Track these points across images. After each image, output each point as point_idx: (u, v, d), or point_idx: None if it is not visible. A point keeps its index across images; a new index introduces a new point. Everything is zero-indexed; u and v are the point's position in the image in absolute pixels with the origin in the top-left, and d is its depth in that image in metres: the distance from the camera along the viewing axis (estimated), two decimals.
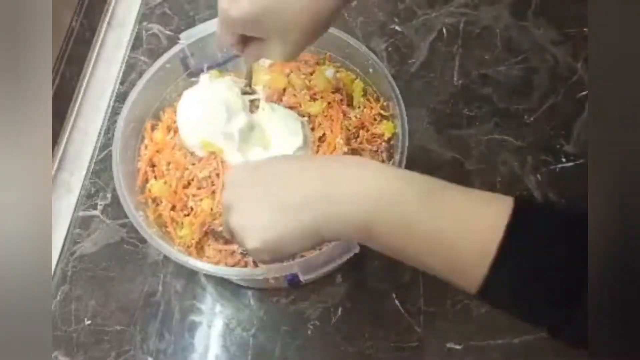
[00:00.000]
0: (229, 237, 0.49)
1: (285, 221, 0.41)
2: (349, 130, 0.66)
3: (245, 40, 0.54)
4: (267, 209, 0.42)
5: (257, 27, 0.50)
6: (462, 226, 0.37)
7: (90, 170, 0.75)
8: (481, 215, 0.37)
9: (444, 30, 0.83)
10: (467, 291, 0.37)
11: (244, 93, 0.66)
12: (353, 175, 0.40)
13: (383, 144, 0.66)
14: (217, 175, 0.62)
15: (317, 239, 0.41)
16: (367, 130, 0.66)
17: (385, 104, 0.66)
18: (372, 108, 0.67)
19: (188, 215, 0.62)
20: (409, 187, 0.39)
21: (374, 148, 0.66)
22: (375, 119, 0.67)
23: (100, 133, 0.78)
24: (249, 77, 0.66)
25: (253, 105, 0.66)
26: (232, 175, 0.48)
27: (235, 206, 0.44)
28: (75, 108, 0.80)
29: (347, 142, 0.65)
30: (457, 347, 0.61)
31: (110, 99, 0.80)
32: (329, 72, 0.68)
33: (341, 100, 0.67)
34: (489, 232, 0.35)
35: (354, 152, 0.65)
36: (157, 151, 0.65)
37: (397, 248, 0.40)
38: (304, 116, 0.66)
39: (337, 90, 0.68)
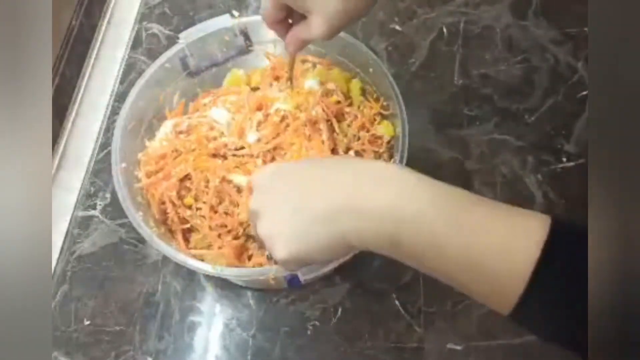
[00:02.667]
0: (259, 243, 0.49)
1: (315, 232, 0.41)
2: (345, 135, 0.65)
3: (287, 27, 0.55)
4: (296, 218, 0.42)
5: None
6: (494, 245, 0.35)
7: (90, 170, 0.75)
8: (515, 234, 0.35)
9: (444, 30, 0.83)
10: (500, 312, 0.36)
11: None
12: (384, 188, 0.39)
13: (384, 144, 0.66)
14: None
15: (346, 248, 0.41)
16: (368, 131, 0.66)
17: (385, 103, 0.66)
18: (371, 108, 0.67)
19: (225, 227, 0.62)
20: (438, 203, 0.38)
21: (375, 149, 0.66)
22: (375, 119, 0.67)
23: (99, 132, 0.78)
24: (291, 69, 0.64)
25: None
26: (260, 178, 0.47)
27: (263, 214, 0.44)
28: (75, 108, 0.80)
29: (349, 144, 0.65)
30: (458, 347, 0.61)
31: (110, 99, 0.80)
32: (311, 82, 0.68)
33: (339, 102, 0.67)
34: (524, 252, 0.34)
35: (356, 154, 0.65)
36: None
37: (427, 266, 0.39)
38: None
39: (327, 93, 0.68)
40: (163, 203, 0.63)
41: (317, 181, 0.43)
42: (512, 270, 0.34)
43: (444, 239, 0.37)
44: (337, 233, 0.40)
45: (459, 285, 0.38)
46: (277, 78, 0.71)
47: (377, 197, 0.39)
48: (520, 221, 0.36)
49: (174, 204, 0.62)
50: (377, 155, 0.66)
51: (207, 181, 0.62)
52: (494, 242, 0.35)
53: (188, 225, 0.63)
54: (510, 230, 0.36)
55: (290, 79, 0.65)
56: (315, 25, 0.51)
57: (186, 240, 0.63)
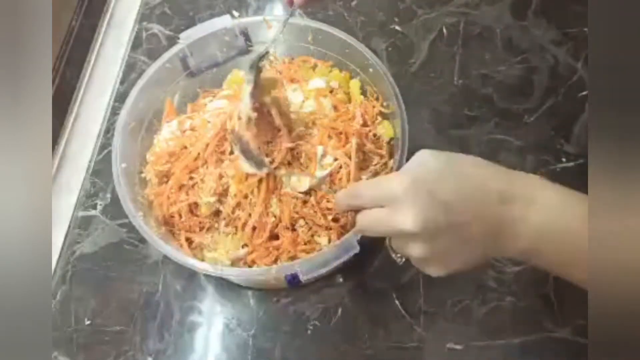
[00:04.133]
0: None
1: (473, 254, 0.43)
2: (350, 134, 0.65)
3: None
4: (459, 243, 0.43)
5: None
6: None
7: (90, 170, 0.75)
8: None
9: (444, 30, 0.83)
10: None
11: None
12: (524, 203, 0.42)
13: (384, 144, 0.66)
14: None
15: (488, 261, 0.46)
16: (370, 131, 0.66)
17: (385, 104, 0.66)
18: (374, 106, 0.67)
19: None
20: (574, 214, 0.40)
21: (377, 148, 0.66)
22: (376, 119, 0.67)
23: (100, 133, 0.78)
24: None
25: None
26: (406, 193, 0.43)
27: (421, 239, 0.43)
28: (75, 108, 0.80)
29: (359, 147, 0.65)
30: (458, 347, 0.61)
31: (110, 99, 0.80)
32: (317, 81, 0.68)
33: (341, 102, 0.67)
34: None
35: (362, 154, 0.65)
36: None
37: (564, 268, 0.42)
38: None
39: (331, 91, 0.68)
40: (172, 216, 0.63)
41: (472, 195, 0.43)
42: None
43: (577, 244, 0.39)
44: (483, 256, 0.44)
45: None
46: (292, 80, 0.71)
47: (517, 222, 0.42)
48: None
49: (181, 216, 0.63)
50: (379, 155, 0.65)
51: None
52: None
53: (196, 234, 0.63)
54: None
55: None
56: None
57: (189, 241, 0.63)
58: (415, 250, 0.43)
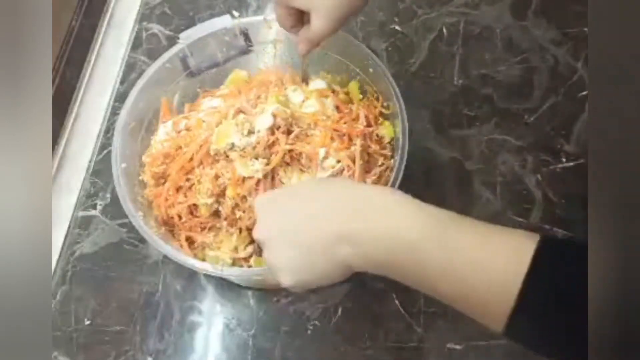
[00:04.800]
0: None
1: (314, 262, 0.43)
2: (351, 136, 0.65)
3: (299, 22, 0.57)
4: (296, 251, 0.43)
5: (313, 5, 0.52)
6: (483, 264, 0.36)
7: (90, 170, 0.75)
8: (503, 251, 0.36)
9: (444, 30, 0.83)
10: (495, 329, 0.37)
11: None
12: (379, 216, 0.41)
13: (387, 145, 0.66)
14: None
15: (347, 272, 0.43)
16: (374, 131, 0.66)
17: (385, 104, 0.66)
18: (375, 107, 0.67)
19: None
20: (434, 228, 0.39)
21: (381, 149, 0.66)
22: (378, 119, 0.67)
23: (100, 133, 0.78)
24: (304, 69, 0.67)
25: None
26: (260, 206, 0.48)
27: (267, 244, 0.45)
28: (75, 108, 0.80)
29: (364, 148, 0.65)
30: (458, 347, 0.61)
31: (110, 99, 0.80)
32: (318, 82, 0.68)
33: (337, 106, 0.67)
34: (512, 270, 0.35)
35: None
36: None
37: (421, 287, 0.40)
38: None
39: (333, 91, 0.68)
40: (172, 217, 0.63)
41: (314, 209, 0.44)
42: (502, 287, 0.35)
43: (437, 264, 0.38)
44: (337, 261, 0.42)
45: (456, 305, 0.39)
46: (293, 81, 0.71)
47: (371, 227, 0.41)
48: (509, 239, 0.37)
49: (180, 217, 0.63)
50: (383, 156, 0.65)
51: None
52: (483, 260, 0.37)
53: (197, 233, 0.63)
54: (498, 248, 0.37)
55: (304, 79, 0.67)
56: (316, 23, 0.54)
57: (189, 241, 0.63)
58: (265, 255, 0.46)
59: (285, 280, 0.44)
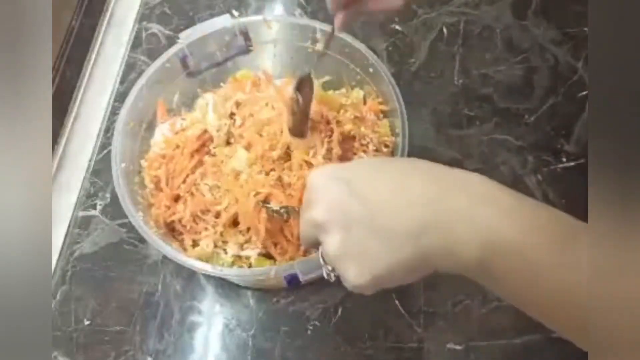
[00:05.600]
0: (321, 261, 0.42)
1: (398, 254, 0.36)
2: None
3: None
4: (375, 238, 0.36)
5: None
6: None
7: (90, 170, 0.75)
8: None
9: (444, 30, 0.83)
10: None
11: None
12: (478, 206, 0.34)
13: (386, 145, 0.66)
14: None
15: (428, 270, 0.37)
16: (374, 132, 0.66)
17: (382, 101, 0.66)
18: (376, 107, 0.67)
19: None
20: (538, 231, 0.33)
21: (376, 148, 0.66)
22: (378, 119, 0.67)
23: (99, 133, 0.78)
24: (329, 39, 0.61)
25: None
26: (321, 182, 0.39)
27: (331, 230, 0.38)
28: (75, 108, 0.80)
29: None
30: (458, 347, 0.61)
31: (110, 99, 0.80)
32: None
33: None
34: None
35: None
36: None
37: (519, 296, 0.35)
38: None
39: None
40: (173, 221, 0.63)
41: (396, 190, 0.37)
42: None
43: (543, 272, 0.32)
44: (421, 254, 0.35)
45: (552, 321, 0.34)
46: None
47: (469, 216, 0.34)
48: None
49: (182, 222, 0.63)
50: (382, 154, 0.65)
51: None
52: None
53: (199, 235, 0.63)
54: None
55: (327, 45, 0.61)
56: None
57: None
58: (329, 243, 0.38)
59: (357, 276, 0.37)
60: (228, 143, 0.65)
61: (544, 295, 0.33)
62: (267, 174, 0.60)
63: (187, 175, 0.64)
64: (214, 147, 0.64)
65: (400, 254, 0.36)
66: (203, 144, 0.65)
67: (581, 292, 0.31)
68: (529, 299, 0.34)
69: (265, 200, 0.59)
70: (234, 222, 0.62)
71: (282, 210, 0.58)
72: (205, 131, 0.65)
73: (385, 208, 0.36)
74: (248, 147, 0.62)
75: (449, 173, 0.37)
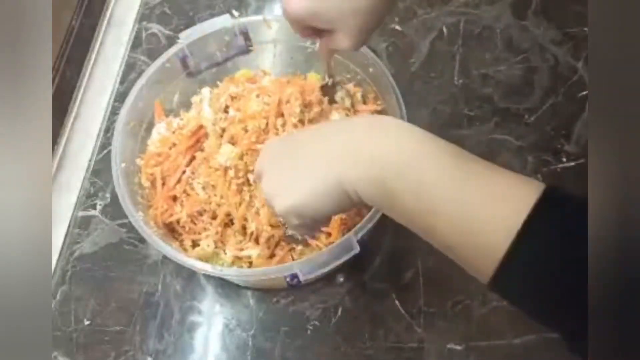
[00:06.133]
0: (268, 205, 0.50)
1: (311, 180, 0.41)
2: None
3: (318, 32, 0.54)
4: (293, 172, 0.43)
5: (318, 19, 0.51)
6: (486, 204, 0.34)
7: (90, 170, 0.75)
8: (508, 196, 0.34)
9: (444, 30, 0.83)
10: (480, 279, 0.35)
11: (324, 87, 0.67)
12: (381, 136, 0.40)
13: None
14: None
15: (344, 200, 0.41)
16: None
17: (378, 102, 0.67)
18: (375, 107, 0.67)
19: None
20: (433, 153, 0.38)
21: None
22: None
23: (99, 132, 0.78)
24: (329, 70, 0.66)
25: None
26: (266, 145, 0.50)
27: (265, 173, 0.46)
28: (75, 108, 0.80)
29: None
30: (458, 347, 0.61)
31: (110, 99, 0.80)
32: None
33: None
34: (513, 216, 0.33)
35: None
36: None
37: (415, 219, 0.38)
38: None
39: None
40: (172, 222, 0.64)
41: (317, 137, 0.44)
42: (496, 232, 0.33)
43: (433, 190, 0.36)
44: (332, 179, 0.40)
45: (444, 246, 0.38)
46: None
47: (368, 145, 0.39)
48: (514, 184, 0.35)
49: (180, 224, 0.63)
50: None
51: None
52: (483, 200, 0.35)
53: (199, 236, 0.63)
54: (500, 190, 0.35)
55: (330, 75, 0.66)
56: (342, 40, 0.52)
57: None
58: (263, 185, 0.45)
59: (280, 203, 0.43)
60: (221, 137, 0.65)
61: (436, 214, 0.36)
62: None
63: (183, 172, 0.64)
64: (205, 143, 0.65)
65: (312, 184, 0.41)
66: (198, 140, 0.66)
67: (465, 211, 0.35)
68: (424, 221, 0.37)
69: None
70: (232, 222, 0.62)
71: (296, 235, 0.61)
72: (201, 127, 0.66)
73: (304, 151, 0.43)
74: (233, 142, 0.63)
75: (358, 121, 0.44)
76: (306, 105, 0.63)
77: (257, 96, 0.64)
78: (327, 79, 0.67)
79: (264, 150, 0.49)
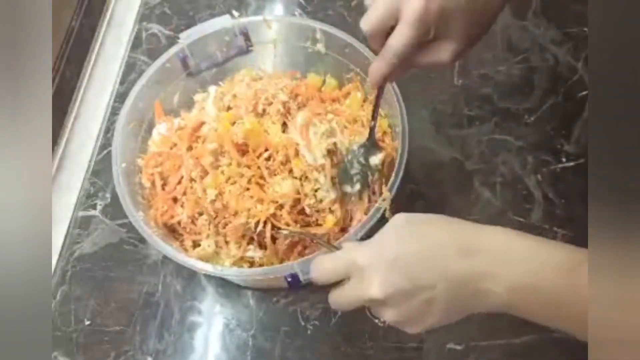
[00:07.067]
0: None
1: (439, 315, 0.43)
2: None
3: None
4: (424, 303, 0.43)
5: (445, 23, 0.47)
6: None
7: (90, 170, 0.75)
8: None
9: None
10: None
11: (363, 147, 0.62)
12: (495, 260, 0.41)
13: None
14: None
15: (468, 313, 0.45)
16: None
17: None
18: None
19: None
20: (547, 266, 0.40)
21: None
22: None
23: (99, 133, 0.78)
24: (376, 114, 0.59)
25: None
26: (372, 263, 0.44)
27: (390, 304, 0.44)
28: (75, 108, 0.80)
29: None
30: (458, 347, 0.61)
31: (110, 99, 0.80)
32: None
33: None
34: None
35: None
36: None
37: (542, 320, 0.42)
38: None
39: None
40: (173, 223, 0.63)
41: (437, 260, 0.43)
42: None
43: (558, 300, 0.40)
44: (460, 306, 0.44)
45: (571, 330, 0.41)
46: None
47: (495, 271, 0.41)
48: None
49: (181, 225, 0.63)
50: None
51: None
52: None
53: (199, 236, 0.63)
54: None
55: (375, 105, 0.59)
56: (444, 50, 0.49)
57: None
58: (388, 315, 0.44)
59: (414, 330, 0.45)
60: None
61: (561, 315, 0.40)
62: (249, 167, 0.61)
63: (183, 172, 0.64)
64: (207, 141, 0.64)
65: (447, 313, 0.44)
66: (198, 139, 0.65)
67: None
68: (551, 320, 0.42)
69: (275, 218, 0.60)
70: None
71: (290, 233, 0.60)
72: (202, 123, 0.65)
73: (428, 276, 0.42)
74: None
75: (470, 227, 0.44)
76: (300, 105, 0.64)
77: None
78: (371, 122, 0.60)
79: (380, 275, 0.44)
